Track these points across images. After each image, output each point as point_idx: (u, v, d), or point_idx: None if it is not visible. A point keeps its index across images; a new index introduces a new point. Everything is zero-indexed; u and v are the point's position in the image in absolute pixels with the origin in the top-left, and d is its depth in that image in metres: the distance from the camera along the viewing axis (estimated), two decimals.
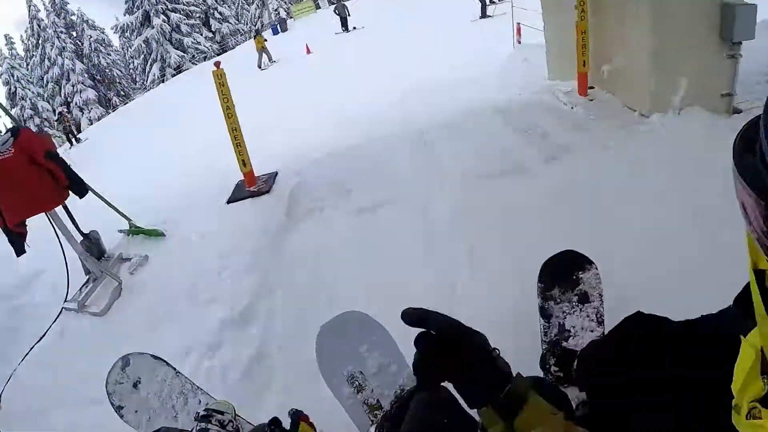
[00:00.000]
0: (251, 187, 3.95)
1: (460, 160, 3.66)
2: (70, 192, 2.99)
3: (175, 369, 1.66)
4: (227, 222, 3.58)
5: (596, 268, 1.67)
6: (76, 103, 26.78)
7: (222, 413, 1.34)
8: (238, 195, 3.95)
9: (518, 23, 6.97)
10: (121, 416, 1.55)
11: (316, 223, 3.35)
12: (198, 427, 1.30)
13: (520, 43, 6.71)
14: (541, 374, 1.68)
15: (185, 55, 26.66)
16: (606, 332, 1.64)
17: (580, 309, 1.68)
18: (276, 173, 4.18)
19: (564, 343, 1.67)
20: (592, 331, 1.66)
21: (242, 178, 4.04)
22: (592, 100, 4.13)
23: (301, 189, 3.86)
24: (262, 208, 3.68)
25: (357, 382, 1.48)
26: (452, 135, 4.24)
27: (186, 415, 1.56)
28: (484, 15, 11.44)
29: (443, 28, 10.75)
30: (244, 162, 3.88)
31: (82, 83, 27.14)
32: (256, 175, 4.05)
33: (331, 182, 3.84)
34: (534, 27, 5.71)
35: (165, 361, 1.66)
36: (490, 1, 11.72)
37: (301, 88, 9.41)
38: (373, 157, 4.13)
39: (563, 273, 1.69)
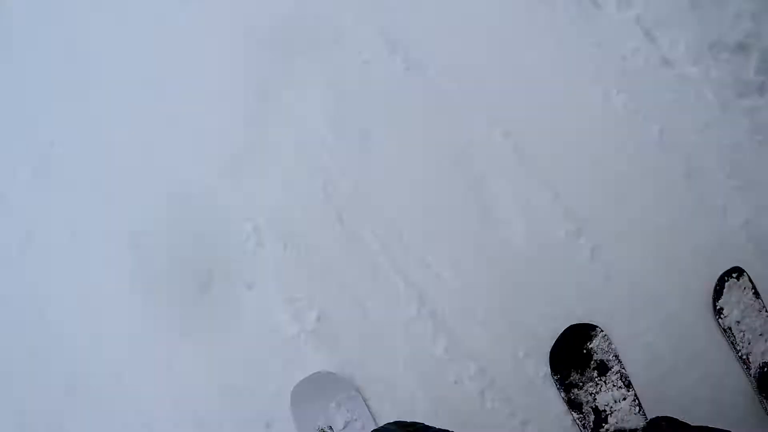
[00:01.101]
0: None
1: None
2: None
3: None
4: None
5: (601, 330, 1.45)
6: None
7: None
8: None
9: None
10: None
11: None
12: None
13: None
14: None
15: None
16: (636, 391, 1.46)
17: (605, 381, 1.45)
18: None
19: (605, 425, 1.44)
20: (624, 399, 1.45)
21: None
22: None
23: None
24: None
25: None
26: None
27: None
28: None
29: None
30: None
31: None
32: None
33: None
34: None
35: None
36: None
37: None
38: None
39: (572, 352, 1.45)
